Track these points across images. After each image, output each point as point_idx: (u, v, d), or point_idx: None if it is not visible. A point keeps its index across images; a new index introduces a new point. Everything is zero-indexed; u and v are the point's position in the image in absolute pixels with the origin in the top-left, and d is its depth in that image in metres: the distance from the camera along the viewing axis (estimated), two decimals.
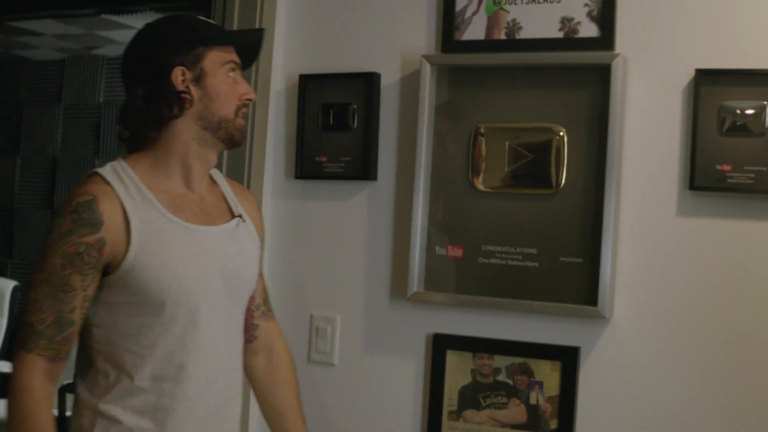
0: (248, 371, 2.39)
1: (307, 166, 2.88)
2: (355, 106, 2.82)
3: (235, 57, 2.17)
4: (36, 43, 7.40)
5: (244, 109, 2.18)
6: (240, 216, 2.24)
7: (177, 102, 2.10)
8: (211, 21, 2.22)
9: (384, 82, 2.82)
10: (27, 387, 2.01)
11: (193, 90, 2.11)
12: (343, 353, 2.86)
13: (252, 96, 2.19)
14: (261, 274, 2.37)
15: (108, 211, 2.02)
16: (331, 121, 2.85)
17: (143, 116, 2.11)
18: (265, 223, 2.89)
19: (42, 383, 2.01)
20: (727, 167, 2.42)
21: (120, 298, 2.06)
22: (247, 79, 2.83)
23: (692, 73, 2.47)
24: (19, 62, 8.01)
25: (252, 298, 2.34)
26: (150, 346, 2.07)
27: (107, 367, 2.08)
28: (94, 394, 2.09)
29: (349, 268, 2.84)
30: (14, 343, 2.05)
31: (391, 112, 2.81)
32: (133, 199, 2.07)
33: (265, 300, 2.43)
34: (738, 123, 2.42)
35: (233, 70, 2.16)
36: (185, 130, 2.13)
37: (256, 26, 2.89)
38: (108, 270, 2.05)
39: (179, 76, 2.10)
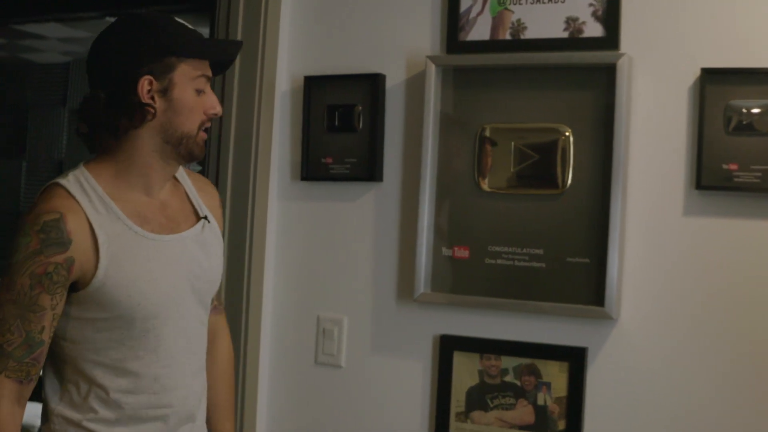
0: None
1: (312, 167, 2.88)
2: (360, 108, 2.82)
3: (207, 70, 2.08)
4: (41, 46, 7.41)
5: (208, 124, 2.09)
6: (205, 217, 2.20)
7: (139, 113, 2.00)
8: (187, 25, 2.09)
9: (389, 83, 2.81)
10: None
11: (158, 102, 2.02)
12: (350, 355, 2.86)
13: (218, 111, 2.09)
14: None
15: (75, 229, 1.96)
16: (336, 123, 2.85)
17: (102, 121, 2.03)
18: (271, 224, 2.91)
19: (9, 405, 1.96)
20: (733, 166, 2.42)
21: (90, 314, 2.02)
22: (252, 81, 2.85)
23: (698, 72, 2.46)
24: (25, 66, 8.01)
25: None
26: (122, 359, 2.04)
27: (79, 380, 2.05)
28: (65, 404, 2.06)
29: (356, 270, 2.84)
30: None
31: (396, 113, 2.81)
32: (98, 213, 2.00)
33: (218, 294, 2.37)
34: (744, 122, 2.41)
35: (203, 85, 2.07)
36: (146, 141, 2.05)
37: (261, 29, 2.89)
38: (77, 286, 2.00)
39: (146, 86, 2.00)
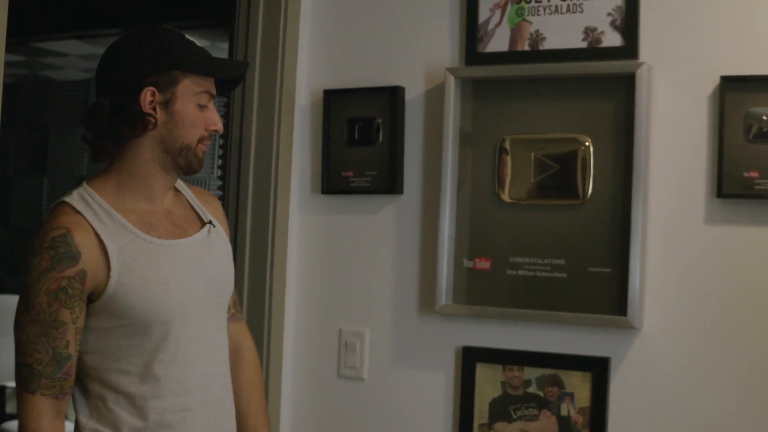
0: None
1: (333, 181, 2.89)
2: (380, 120, 2.83)
3: (211, 87, 2.13)
4: (61, 64, 7.45)
5: (208, 140, 2.14)
6: (210, 222, 2.23)
7: (140, 122, 2.05)
8: (196, 43, 2.15)
9: (408, 96, 2.82)
10: (39, 429, 1.98)
11: (160, 113, 2.07)
12: (373, 367, 2.86)
13: (219, 128, 2.14)
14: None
15: (83, 242, 2.00)
16: (356, 136, 2.85)
17: (105, 128, 2.08)
18: (292, 238, 2.91)
19: (49, 421, 1.99)
20: (754, 174, 2.41)
21: (107, 323, 2.05)
22: (271, 94, 2.86)
23: (717, 80, 2.46)
24: (45, 83, 8.06)
25: None
26: (144, 365, 2.07)
27: (104, 392, 2.07)
28: (95, 419, 2.08)
29: (377, 282, 2.84)
30: (17, 385, 2.02)
31: (416, 125, 2.82)
32: (105, 225, 2.04)
33: (235, 302, 2.40)
34: (765, 129, 2.40)
35: (206, 100, 2.12)
36: (148, 151, 2.09)
37: (280, 43, 2.90)
38: (92, 298, 2.03)
39: (148, 96, 2.05)
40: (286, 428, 2.93)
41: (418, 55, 2.82)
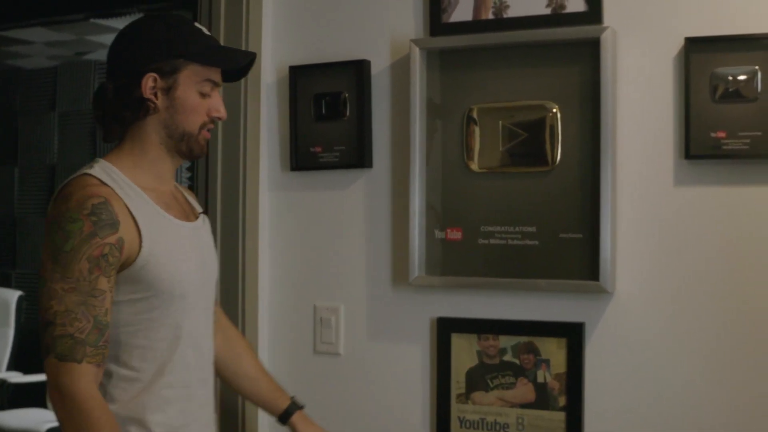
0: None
1: (302, 157, 2.88)
2: (346, 95, 2.82)
3: (215, 76, 2.18)
4: (27, 51, 7.40)
5: (211, 125, 2.20)
6: (204, 213, 2.35)
7: (141, 107, 2.12)
8: (205, 31, 2.21)
9: (374, 69, 2.81)
10: (92, 396, 2.01)
11: (161, 99, 2.13)
12: (349, 342, 2.86)
13: (221, 115, 2.20)
14: None
15: (120, 211, 2.05)
16: (323, 111, 2.84)
17: (109, 111, 2.16)
18: (264, 216, 2.91)
19: (96, 388, 2.03)
20: (722, 134, 2.42)
21: (129, 295, 2.08)
22: None
23: (682, 42, 2.46)
24: (12, 72, 8.00)
25: None
26: (158, 339, 2.12)
27: (112, 367, 2.10)
28: (102, 392, 2.08)
29: (350, 257, 2.84)
30: (53, 357, 1.99)
31: (383, 98, 2.81)
32: (131, 198, 2.09)
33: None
34: (730, 89, 2.41)
35: (208, 88, 2.17)
36: (153, 133, 2.16)
37: (244, 21, 2.88)
38: (120, 268, 2.06)
39: (149, 82, 2.11)
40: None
41: (382, 28, 2.81)
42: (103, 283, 2.01)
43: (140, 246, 2.06)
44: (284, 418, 2.48)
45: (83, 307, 1.99)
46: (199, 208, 2.35)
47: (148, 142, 2.16)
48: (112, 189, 2.07)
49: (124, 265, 2.06)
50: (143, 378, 2.11)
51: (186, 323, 2.16)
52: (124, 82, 2.13)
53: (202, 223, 2.31)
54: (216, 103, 2.19)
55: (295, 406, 2.49)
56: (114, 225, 2.02)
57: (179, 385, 2.16)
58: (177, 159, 2.21)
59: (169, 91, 2.13)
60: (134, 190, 2.11)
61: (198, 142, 2.18)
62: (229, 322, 2.55)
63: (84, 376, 1.99)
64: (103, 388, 2.08)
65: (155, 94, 2.12)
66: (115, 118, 2.15)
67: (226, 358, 2.46)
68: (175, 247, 2.13)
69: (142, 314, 2.10)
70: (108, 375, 2.10)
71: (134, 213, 2.07)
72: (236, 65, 2.24)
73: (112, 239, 2.01)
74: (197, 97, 2.15)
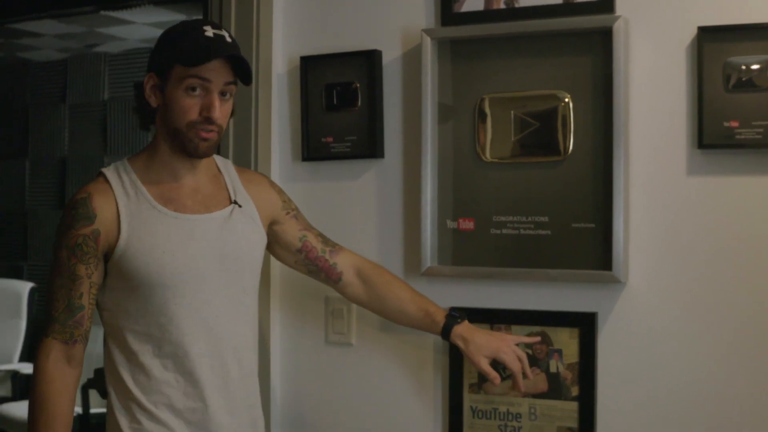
0: (358, 302, 2.61)
1: (313, 147, 2.88)
2: (358, 85, 2.81)
3: (203, 72, 2.22)
4: (38, 44, 7.41)
5: (207, 126, 2.25)
6: (236, 202, 2.39)
7: (146, 104, 2.31)
8: (210, 33, 2.25)
9: (386, 59, 2.81)
10: (41, 368, 2.24)
11: (159, 97, 2.30)
12: (360, 333, 2.86)
13: (211, 114, 2.24)
14: (307, 227, 2.57)
15: (101, 206, 2.25)
16: (335, 101, 2.84)
17: (136, 104, 2.35)
18: None
19: (55, 363, 2.24)
20: (734, 123, 2.41)
21: (118, 283, 2.28)
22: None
23: (695, 31, 2.45)
24: (23, 65, 8.02)
25: (313, 249, 2.54)
26: (147, 325, 2.28)
27: (116, 349, 2.31)
28: (108, 373, 2.33)
29: (362, 247, 2.83)
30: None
31: (394, 88, 2.80)
32: (127, 195, 2.29)
33: (325, 241, 2.59)
34: (743, 79, 2.40)
35: (194, 87, 2.24)
36: (161, 128, 2.32)
37: (254, 12, 2.88)
38: (107, 257, 2.27)
39: (149, 81, 2.30)
40: (276, 396, 2.93)
41: (393, 18, 2.80)
42: (81, 270, 2.24)
43: (118, 238, 2.25)
44: (445, 334, 2.49)
45: (63, 290, 2.25)
46: (234, 198, 2.41)
47: (160, 138, 2.33)
48: (110, 185, 2.29)
49: (108, 255, 2.27)
50: (145, 361, 2.27)
51: (181, 311, 2.27)
52: (139, 82, 2.32)
53: (228, 214, 2.37)
54: (207, 102, 2.25)
55: (453, 320, 2.49)
56: (89, 218, 2.24)
57: (178, 370, 2.29)
58: (183, 155, 2.31)
59: (162, 89, 2.28)
60: (136, 187, 2.30)
61: (191, 140, 2.26)
62: (363, 259, 2.61)
63: (50, 351, 2.24)
64: (113, 366, 2.30)
65: (155, 93, 2.30)
66: (137, 111, 2.35)
67: (373, 298, 2.57)
68: (163, 239, 2.26)
69: (131, 301, 2.28)
70: (110, 357, 2.31)
71: (120, 208, 2.26)
72: (203, 62, 2.22)
73: (86, 230, 2.24)
74: (184, 95, 2.24)
